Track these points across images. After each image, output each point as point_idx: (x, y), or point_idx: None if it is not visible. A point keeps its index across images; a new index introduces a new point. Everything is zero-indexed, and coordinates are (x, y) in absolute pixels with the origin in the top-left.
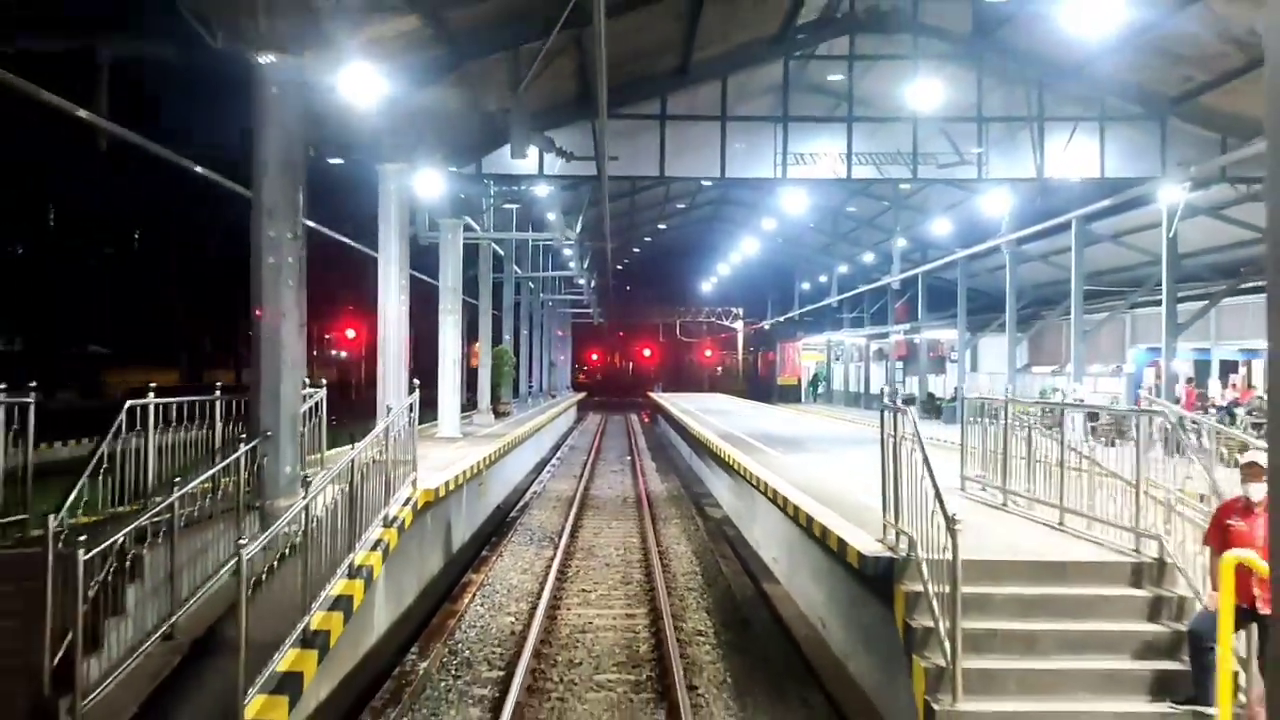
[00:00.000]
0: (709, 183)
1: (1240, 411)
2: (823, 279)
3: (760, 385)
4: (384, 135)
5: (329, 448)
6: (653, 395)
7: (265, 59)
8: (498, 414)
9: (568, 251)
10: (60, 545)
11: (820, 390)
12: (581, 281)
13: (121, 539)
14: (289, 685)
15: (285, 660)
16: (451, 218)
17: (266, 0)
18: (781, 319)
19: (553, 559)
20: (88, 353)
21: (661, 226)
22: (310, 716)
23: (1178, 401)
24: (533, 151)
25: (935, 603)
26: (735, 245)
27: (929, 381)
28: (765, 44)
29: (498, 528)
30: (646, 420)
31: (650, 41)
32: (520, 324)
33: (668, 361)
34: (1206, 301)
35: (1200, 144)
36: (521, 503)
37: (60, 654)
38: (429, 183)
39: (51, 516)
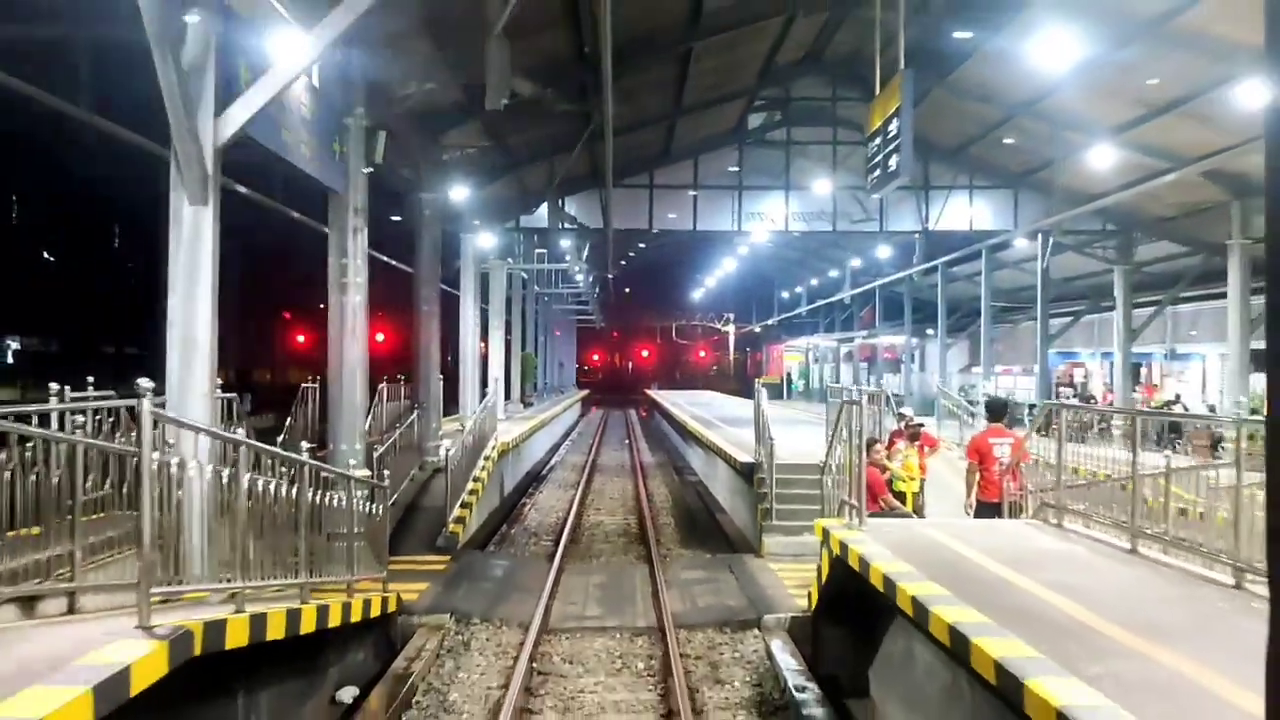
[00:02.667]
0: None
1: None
2: (799, 289)
3: (750, 384)
4: (465, 214)
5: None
6: (649, 393)
7: (422, 194)
8: (525, 404)
9: (575, 267)
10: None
11: (800, 388)
12: (584, 285)
13: (383, 449)
14: (460, 521)
15: (457, 510)
16: (497, 259)
17: (425, 162)
18: (765, 324)
19: (575, 495)
20: (124, 354)
21: (642, 245)
22: (473, 534)
23: (1091, 397)
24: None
25: (768, 480)
26: (720, 261)
27: (886, 380)
28: (724, 135)
29: (533, 480)
30: (644, 415)
31: (642, 141)
32: (537, 331)
33: (664, 362)
34: (1070, 318)
35: (1044, 205)
36: (548, 466)
37: None
38: (486, 239)
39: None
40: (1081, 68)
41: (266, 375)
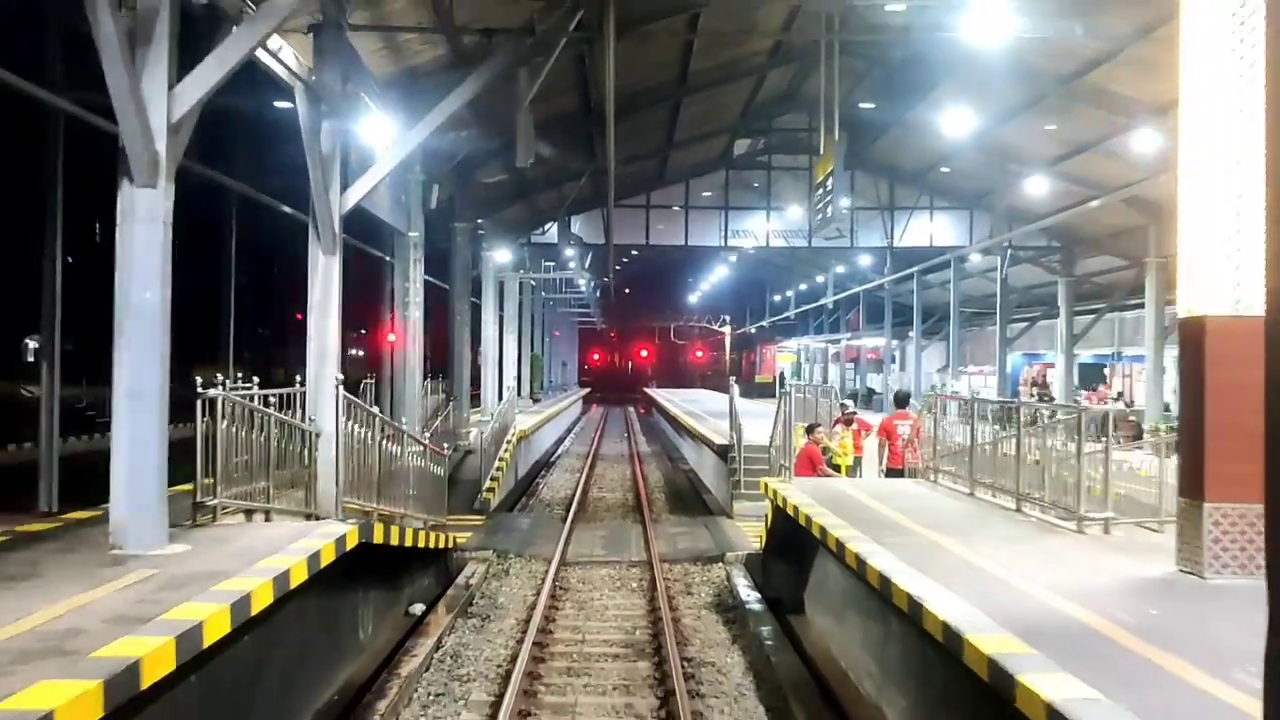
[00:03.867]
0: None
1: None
2: (789, 293)
3: (745, 383)
4: (488, 235)
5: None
6: (648, 391)
7: (455, 224)
8: (533, 400)
9: (580, 277)
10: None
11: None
12: (587, 292)
13: (428, 434)
14: (490, 491)
15: (489, 481)
16: (511, 272)
17: (458, 196)
18: (759, 326)
19: (580, 477)
20: None
21: (634, 252)
22: (500, 501)
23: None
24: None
25: (737, 457)
26: (715, 266)
27: (870, 379)
28: (712, 162)
29: (542, 467)
30: (643, 412)
31: (639, 168)
32: (542, 333)
33: (663, 361)
34: (1027, 324)
35: (996, 224)
36: (554, 455)
37: None
38: (502, 255)
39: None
40: (998, 118)
41: (280, 372)
